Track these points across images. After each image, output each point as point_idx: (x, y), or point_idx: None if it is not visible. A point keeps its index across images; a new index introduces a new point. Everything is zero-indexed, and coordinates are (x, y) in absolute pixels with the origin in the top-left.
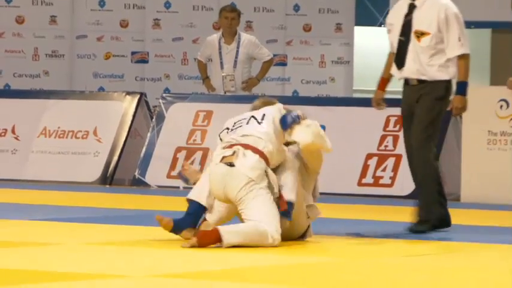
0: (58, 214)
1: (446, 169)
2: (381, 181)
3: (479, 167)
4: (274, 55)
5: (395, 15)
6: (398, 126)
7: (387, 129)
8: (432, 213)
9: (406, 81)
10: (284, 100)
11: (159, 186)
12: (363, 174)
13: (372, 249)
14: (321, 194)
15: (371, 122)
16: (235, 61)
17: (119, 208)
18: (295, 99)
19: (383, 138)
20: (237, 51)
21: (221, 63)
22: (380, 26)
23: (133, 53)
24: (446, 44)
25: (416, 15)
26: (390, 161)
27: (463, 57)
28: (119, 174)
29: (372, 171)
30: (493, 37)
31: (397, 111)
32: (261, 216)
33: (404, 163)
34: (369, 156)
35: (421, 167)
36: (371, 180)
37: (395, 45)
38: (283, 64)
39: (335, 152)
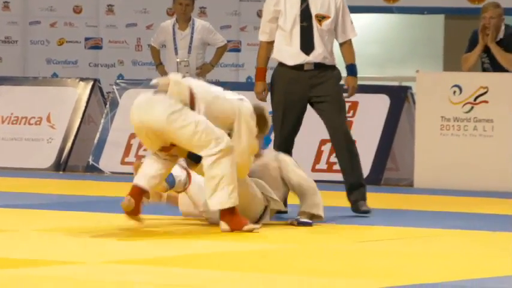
0: (11, 200)
1: (399, 154)
2: (335, 167)
3: (433, 153)
4: (228, 41)
5: (283, 2)
6: (352, 112)
7: None
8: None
9: (299, 67)
10: (238, 86)
11: (112, 173)
12: (317, 160)
13: (325, 235)
14: None
15: None
16: (190, 47)
17: (73, 195)
18: (249, 85)
19: None
20: (191, 37)
21: (175, 49)
22: None
23: (86, 39)
24: (342, 27)
25: (312, 0)
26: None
27: (351, 41)
28: (73, 161)
29: (325, 157)
30: (446, 23)
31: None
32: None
33: (359, 149)
34: (323, 142)
35: (353, 148)
36: (325, 166)
37: (294, 32)
38: (237, 50)
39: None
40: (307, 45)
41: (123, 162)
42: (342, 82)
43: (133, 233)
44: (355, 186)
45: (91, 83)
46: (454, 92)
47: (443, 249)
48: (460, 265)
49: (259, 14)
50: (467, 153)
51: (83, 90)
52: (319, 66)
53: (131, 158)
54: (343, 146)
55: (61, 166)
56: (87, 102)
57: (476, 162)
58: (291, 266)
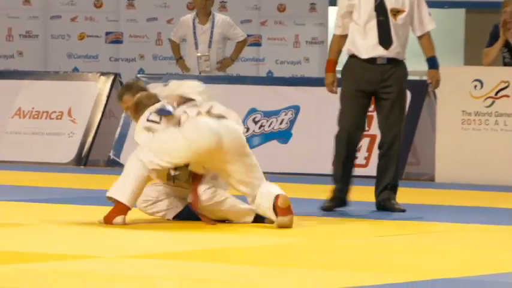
0: (32, 195)
1: (420, 149)
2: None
3: (454, 147)
4: (249, 35)
5: None
6: (372, 106)
7: None
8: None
9: (371, 60)
10: (258, 81)
11: None
12: None
13: (342, 229)
14: (295, 174)
15: None
16: (210, 41)
17: (94, 189)
18: (269, 80)
19: None
20: (212, 32)
21: (196, 43)
22: None
23: (107, 34)
24: (419, 20)
25: None
26: (364, 142)
27: (429, 33)
28: (94, 155)
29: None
30: (467, 17)
31: None
32: None
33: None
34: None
35: (398, 150)
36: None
37: (371, 26)
38: (258, 44)
39: (310, 132)
40: (385, 39)
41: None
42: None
43: (153, 226)
44: (391, 187)
45: (112, 77)
46: (475, 86)
47: (464, 244)
48: (480, 260)
49: (280, 9)
50: (489, 148)
51: (104, 84)
52: (391, 61)
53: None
54: (390, 146)
55: (82, 160)
56: (108, 97)
57: (498, 156)
58: (307, 260)
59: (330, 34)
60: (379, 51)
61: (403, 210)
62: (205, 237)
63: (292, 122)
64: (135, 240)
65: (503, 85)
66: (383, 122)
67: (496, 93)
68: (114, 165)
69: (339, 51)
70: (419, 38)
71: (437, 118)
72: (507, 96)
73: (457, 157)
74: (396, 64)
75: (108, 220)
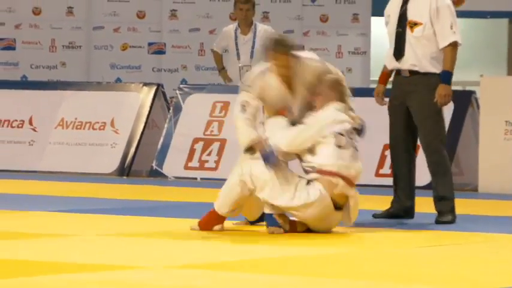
0: (76, 205)
1: (463, 160)
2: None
3: (497, 158)
4: None
5: (392, 7)
6: None
7: None
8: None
9: (398, 72)
10: None
11: (176, 178)
12: (380, 164)
13: (384, 240)
14: None
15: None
16: (252, 52)
17: (137, 199)
18: None
19: None
20: (254, 42)
21: (237, 53)
22: None
23: (150, 44)
24: (439, 33)
25: (410, 6)
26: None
27: (453, 45)
28: (136, 166)
29: (388, 163)
30: (510, 27)
31: None
32: None
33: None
34: (386, 147)
35: (438, 159)
36: (388, 171)
37: (393, 36)
38: None
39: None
40: (398, 51)
41: (186, 167)
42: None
43: (197, 237)
44: (438, 199)
45: (154, 87)
46: None
47: (509, 255)
48: None
49: (322, 19)
50: None
51: (146, 95)
52: (413, 73)
53: (195, 163)
54: (428, 158)
55: (125, 171)
56: (151, 107)
57: None
58: (352, 271)
59: (372, 44)
60: (394, 64)
61: (448, 222)
62: (254, 247)
63: None
64: (181, 250)
65: None
66: (419, 136)
67: None
68: (157, 176)
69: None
70: (442, 50)
71: (480, 128)
72: None
73: (500, 167)
74: (420, 76)
75: (205, 227)
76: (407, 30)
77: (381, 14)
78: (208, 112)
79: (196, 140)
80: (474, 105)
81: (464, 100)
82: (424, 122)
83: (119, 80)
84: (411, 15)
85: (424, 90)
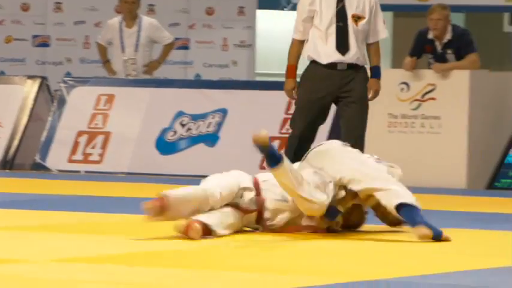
0: None
1: None
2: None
3: (380, 150)
4: (177, 39)
5: (320, 3)
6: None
7: (289, 112)
8: None
9: (332, 66)
10: (186, 84)
11: (59, 171)
12: None
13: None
14: None
15: (273, 105)
16: (137, 44)
17: (19, 193)
18: (197, 83)
19: (285, 121)
20: (139, 35)
21: (122, 46)
22: (282, 9)
23: (34, 37)
24: (374, 28)
25: (348, 1)
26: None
27: (379, 41)
28: (20, 159)
29: None
30: (395, 20)
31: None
32: None
33: None
34: (271, 139)
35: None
36: None
37: (330, 31)
38: (186, 48)
39: (237, 136)
40: (342, 45)
41: (70, 160)
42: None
43: (79, 230)
44: None
45: (38, 80)
46: (402, 89)
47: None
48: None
49: (208, 12)
50: (415, 150)
51: (31, 88)
52: (351, 66)
53: (78, 156)
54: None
55: (7, 164)
56: (35, 100)
57: (424, 159)
58: (239, 264)
59: (258, 37)
60: (337, 57)
61: None
62: (138, 241)
63: (219, 125)
64: (65, 244)
65: (429, 88)
66: (346, 125)
67: (423, 96)
68: (40, 169)
69: (298, 57)
70: (369, 45)
71: None
72: (433, 99)
73: (383, 159)
74: (357, 69)
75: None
76: (351, 24)
77: (267, 7)
78: (93, 105)
79: (80, 133)
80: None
81: None
82: (360, 115)
83: (2, 73)
84: (352, 9)
85: (362, 83)
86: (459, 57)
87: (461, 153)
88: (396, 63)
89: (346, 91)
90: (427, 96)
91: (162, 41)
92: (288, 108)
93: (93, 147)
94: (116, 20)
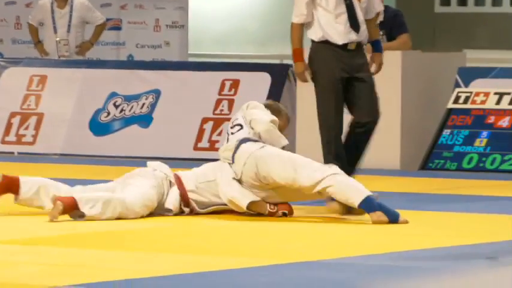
0: None
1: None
2: (217, 145)
3: (314, 130)
4: (109, 19)
5: None
6: (233, 90)
7: (222, 93)
8: None
9: (344, 45)
10: (119, 64)
11: None
12: (199, 138)
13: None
14: (156, 158)
15: (206, 86)
16: (69, 25)
17: None
18: (130, 64)
19: (218, 102)
20: (70, 16)
21: (54, 27)
22: None
23: None
24: (371, 3)
25: None
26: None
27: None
28: None
29: (207, 136)
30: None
31: (231, 75)
32: None
33: None
34: (204, 120)
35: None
36: (207, 145)
37: (340, 10)
38: (118, 28)
39: (170, 117)
40: (355, 22)
41: (3, 142)
42: None
43: (19, 212)
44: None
45: None
46: None
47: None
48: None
49: None
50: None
51: None
52: (358, 45)
53: (12, 137)
54: (373, 129)
55: None
56: None
57: None
58: (175, 244)
59: (190, 18)
60: (351, 35)
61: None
62: (73, 223)
63: (153, 106)
64: (1, 226)
65: None
66: (365, 107)
67: None
68: None
69: (302, 39)
70: (369, 20)
71: (297, 102)
72: None
73: (317, 142)
74: (361, 48)
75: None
76: (355, 1)
77: None
78: (25, 86)
79: (13, 114)
80: (291, 79)
81: (282, 73)
82: (373, 93)
83: None
84: None
85: (366, 59)
86: (391, 38)
87: (394, 134)
88: None
89: (360, 72)
90: None
91: (94, 21)
92: (221, 89)
93: (26, 129)
94: (47, 0)
